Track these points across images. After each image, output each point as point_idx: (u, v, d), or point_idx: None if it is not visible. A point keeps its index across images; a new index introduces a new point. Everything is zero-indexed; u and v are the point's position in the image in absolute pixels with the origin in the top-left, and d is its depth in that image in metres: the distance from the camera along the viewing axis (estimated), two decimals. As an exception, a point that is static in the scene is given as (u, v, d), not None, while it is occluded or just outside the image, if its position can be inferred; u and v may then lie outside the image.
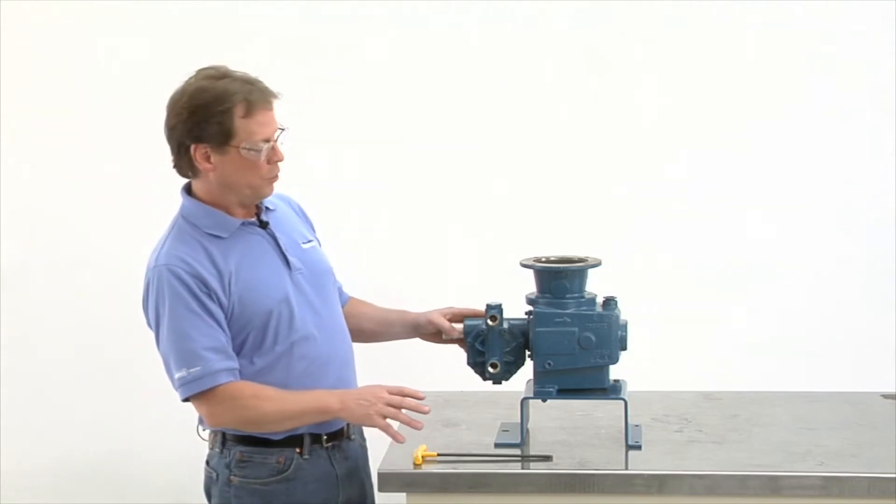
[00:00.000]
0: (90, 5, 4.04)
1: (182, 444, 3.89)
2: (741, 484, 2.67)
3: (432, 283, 3.88)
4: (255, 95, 2.67)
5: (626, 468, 2.73)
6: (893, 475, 2.65)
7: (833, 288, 4.02)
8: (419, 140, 4.03)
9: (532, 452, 2.83)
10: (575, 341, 2.80)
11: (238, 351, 2.71)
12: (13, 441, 4.05)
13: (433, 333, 2.98)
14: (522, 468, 2.75)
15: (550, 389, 2.84)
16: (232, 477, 2.76)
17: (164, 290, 2.67)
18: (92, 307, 4.07)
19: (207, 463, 2.85)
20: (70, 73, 4.05)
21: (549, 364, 2.82)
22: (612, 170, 4.03)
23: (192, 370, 2.65)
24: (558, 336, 2.80)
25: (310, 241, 2.89)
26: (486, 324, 2.85)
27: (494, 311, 2.85)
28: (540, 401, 2.91)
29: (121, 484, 4.06)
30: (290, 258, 2.78)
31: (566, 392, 2.84)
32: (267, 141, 2.68)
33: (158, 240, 2.78)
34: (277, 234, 2.80)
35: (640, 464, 2.75)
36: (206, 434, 2.85)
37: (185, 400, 2.71)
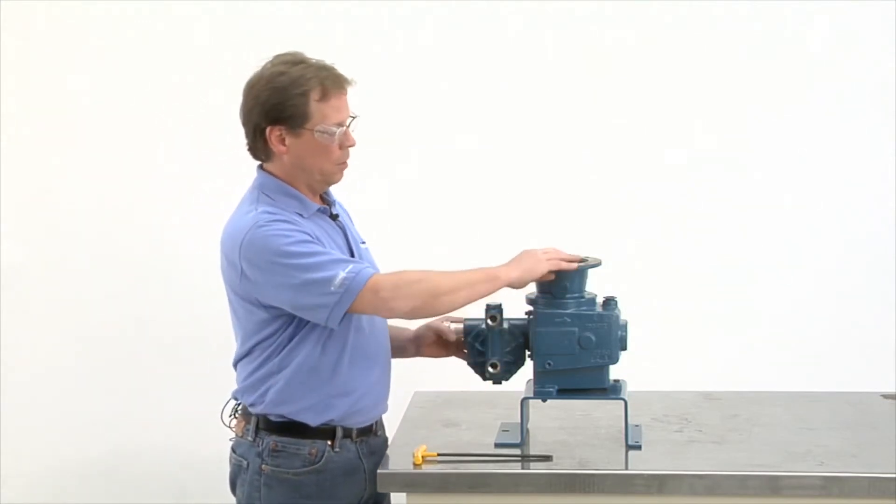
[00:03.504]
0: (90, 5, 4.04)
1: (184, 443, 3.93)
2: (741, 484, 2.67)
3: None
4: (330, 80, 2.75)
5: (626, 468, 2.74)
6: (893, 475, 2.65)
7: (833, 288, 4.02)
8: (419, 140, 4.04)
9: (532, 452, 2.83)
10: (575, 341, 2.79)
11: (304, 325, 2.73)
12: (13, 442, 4.04)
13: (433, 343, 3.00)
14: (522, 468, 2.75)
15: (550, 389, 2.84)
16: (263, 466, 2.78)
17: (276, 236, 2.67)
18: (92, 307, 4.06)
19: (234, 451, 2.86)
20: (70, 73, 4.05)
21: (550, 364, 2.82)
22: (613, 170, 4.03)
23: (348, 269, 2.65)
24: (558, 336, 2.80)
25: (364, 243, 2.96)
26: (486, 324, 2.85)
27: (494, 311, 2.85)
28: (540, 401, 2.90)
29: (121, 484, 4.05)
30: (355, 252, 2.85)
31: (566, 392, 2.84)
32: (340, 125, 2.76)
33: (238, 210, 2.79)
34: (346, 228, 2.88)
35: (640, 464, 2.75)
36: (230, 421, 2.87)
37: (342, 314, 2.66)
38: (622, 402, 2.84)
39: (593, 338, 2.79)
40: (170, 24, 4.03)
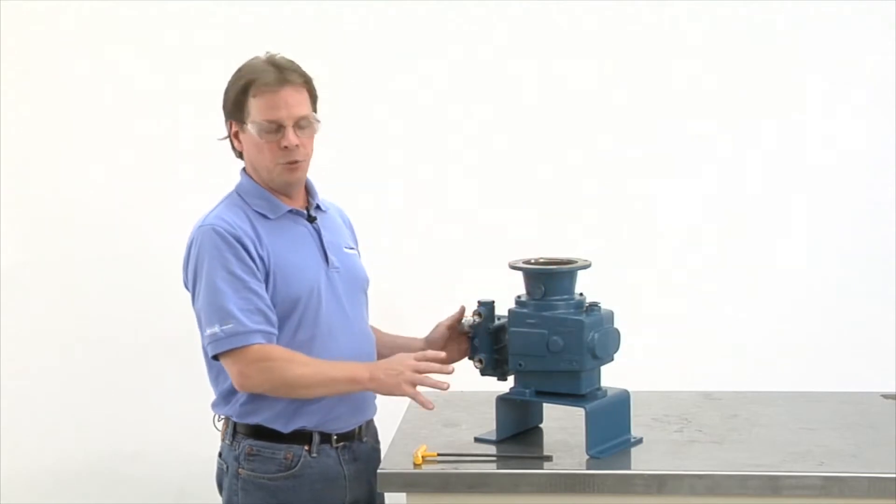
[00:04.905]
0: (90, 6, 4.04)
1: (183, 444, 3.92)
2: (741, 484, 2.66)
3: (442, 287, 3.87)
4: (268, 77, 2.74)
5: (626, 468, 2.73)
6: (893, 475, 2.65)
7: (833, 288, 4.01)
8: (424, 141, 4.03)
9: (532, 452, 2.83)
10: (544, 344, 2.77)
11: None
12: (13, 442, 4.04)
13: (450, 340, 2.96)
14: (522, 468, 2.74)
15: (526, 391, 2.84)
16: (240, 469, 2.78)
17: (207, 249, 2.71)
18: (91, 307, 4.06)
19: (220, 455, 2.87)
20: (70, 73, 4.05)
21: (521, 364, 2.81)
22: (615, 171, 4.02)
23: (224, 327, 2.66)
24: (528, 337, 2.79)
25: (352, 249, 2.96)
26: (473, 320, 2.86)
27: (482, 307, 2.85)
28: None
29: (121, 484, 4.05)
30: (330, 255, 2.84)
31: (541, 395, 2.84)
32: (274, 122, 2.74)
33: (209, 210, 2.83)
34: (322, 231, 2.85)
35: (640, 464, 2.75)
36: (220, 426, 2.87)
37: (215, 358, 2.72)
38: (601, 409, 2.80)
39: (561, 342, 2.76)
40: (170, 23, 4.03)
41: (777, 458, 2.76)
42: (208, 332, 2.69)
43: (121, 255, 4.05)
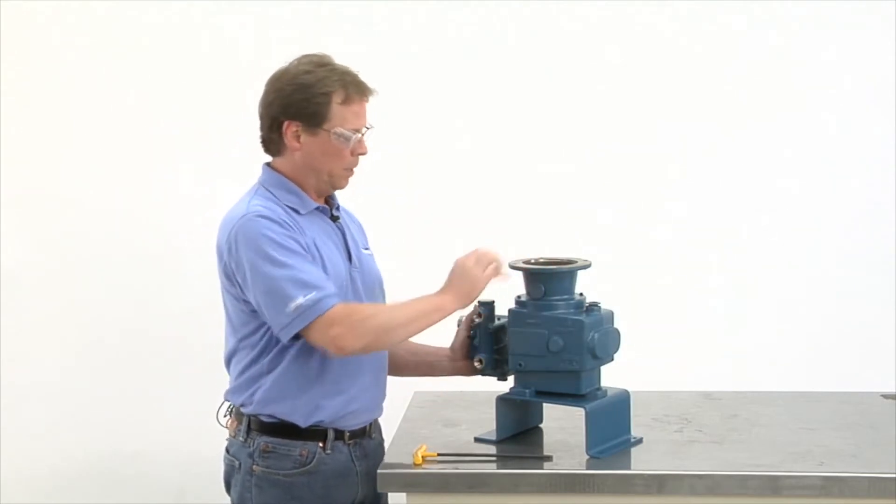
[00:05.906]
0: (90, 5, 4.04)
1: (183, 444, 3.92)
2: (741, 484, 2.66)
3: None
4: (353, 86, 2.80)
5: (626, 468, 2.73)
6: (893, 475, 2.64)
7: (833, 288, 4.02)
8: (426, 142, 4.04)
9: (532, 452, 2.83)
10: (544, 344, 2.78)
11: None
12: (13, 442, 4.04)
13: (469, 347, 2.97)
14: (522, 468, 2.74)
15: (526, 391, 2.84)
16: (254, 466, 2.78)
17: (260, 233, 2.70)
18: (91, 308, 4.06)
19: (228, 451, 2.86)
20: (70, 73, 4.05)
21: (521, 364, 2.81)
22: (615, 171, 4.03)
23: (308, 296, 2.66)
24: (528, 337, 2.79)
25: (368, 250, 2.98)
26: (473, 320, 2.86)
27: (482, 307, 2.85)
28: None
29: (121, 484, 4.05)
30: (353, 254, 2.87)
31: (542, 395, 2.84)
32: (357, 131, 2.80)
33: (235, 204, 2.81)
34: (345, 230, 2.90)
35: (640, 464, 2.75)
36: (225, 422, 2.88)
37: (296, 337, 2.70)
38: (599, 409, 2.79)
39: (561, 342, 2.76)
40: (170, 23, 4.03)
41: (777, 458, 2.76)
42: (293, 306, 2.66)
43: (121, 255, 4.05)
